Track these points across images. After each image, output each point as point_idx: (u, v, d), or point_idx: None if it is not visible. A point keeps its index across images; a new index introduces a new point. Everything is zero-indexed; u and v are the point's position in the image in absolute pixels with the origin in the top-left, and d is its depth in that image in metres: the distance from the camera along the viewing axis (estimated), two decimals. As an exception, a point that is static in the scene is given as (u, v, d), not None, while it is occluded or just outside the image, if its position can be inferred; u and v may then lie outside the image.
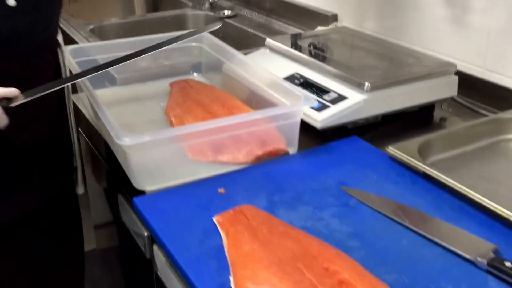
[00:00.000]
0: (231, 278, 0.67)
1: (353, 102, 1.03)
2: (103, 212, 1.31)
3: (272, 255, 0.69)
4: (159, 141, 0.86)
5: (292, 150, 0.99)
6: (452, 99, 1.21)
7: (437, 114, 1.19)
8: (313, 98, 0.97)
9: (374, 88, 1.04)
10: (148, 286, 0.95)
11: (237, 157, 0.96)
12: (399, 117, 1.13)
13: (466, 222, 0.80)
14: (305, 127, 1.01)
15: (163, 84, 1.25)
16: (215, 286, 0.67)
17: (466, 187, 0.82)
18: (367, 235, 0.77)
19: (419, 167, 0.90)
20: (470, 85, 1.20)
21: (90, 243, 1.93)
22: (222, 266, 0.70)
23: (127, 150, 0.84)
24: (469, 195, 0.82)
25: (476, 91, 1.21)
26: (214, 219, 0.78)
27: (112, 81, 1.23)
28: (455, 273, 0.70)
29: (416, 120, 1.16)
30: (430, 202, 0.85)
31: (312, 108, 1.03)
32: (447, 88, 1.15)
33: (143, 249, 0.90)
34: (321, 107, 1.03)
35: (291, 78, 1.14)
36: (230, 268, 0.69)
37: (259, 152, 0.96)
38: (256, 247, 0.70)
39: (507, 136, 1.06)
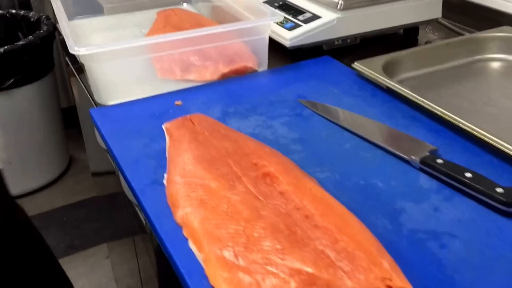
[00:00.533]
0: (165, 175, 0.69)
1: (326, 20, 1.02)
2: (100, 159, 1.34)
3: (206, 153, 0.70)
4: (119, 52, 0.87)
5: (262, 69, 0.99)
6: (437, 22, 1.17)
7: (423, 38, 1.16)
8: (280, 14, 0.96)
9: (348, 6, 1.02)
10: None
11: (204, 75, 0.97)
12: (381, 41, 1.10)
13: (415, 129, 0.79)
14: (280, 49, 1.01)
15: (151, 14, 1.26)
16: (148, 182, 0.69)
17: (422, 97, 0.81)
18: (311, 141, 0.77)
19: (379, 80, 0.88)
20: (457, 7, 1.16)
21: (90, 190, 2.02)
22: (160, 165, 0.72)
23: (86, 62, 0.87)
24: (420, 102, 0.81)
25: (464, 14, 1.17)
26: (163, 126, 0.80)
27: (99, 11, 1.25)
28: (388, 171, 0.70)
29: (400, 44, 1.13)
30: (384, 111, 0.84)
31: (285, 27, 1.02)
32: (431, 9, 1.11)
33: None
34: (293, 27, 1.02)
35: (271, 2, 1.13)
36: (167, 166, 0.71)
37: (225, 69, 0.97)
38: (193, 147, 0.72)
39: (484, 56, 1.03)
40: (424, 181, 0.68)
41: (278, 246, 0.55)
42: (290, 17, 1.04)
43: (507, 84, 0.96)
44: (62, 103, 2.31)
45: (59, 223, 1.99)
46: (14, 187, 2.07)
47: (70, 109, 2.29)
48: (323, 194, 0.62)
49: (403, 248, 0.58)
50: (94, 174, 1.73)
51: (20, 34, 2.22)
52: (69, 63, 1.28)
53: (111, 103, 0.90)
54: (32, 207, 2.06)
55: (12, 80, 1.96)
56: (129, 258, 1.30)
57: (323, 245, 0.55)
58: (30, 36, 1.97)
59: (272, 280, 0.52)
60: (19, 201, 1.91)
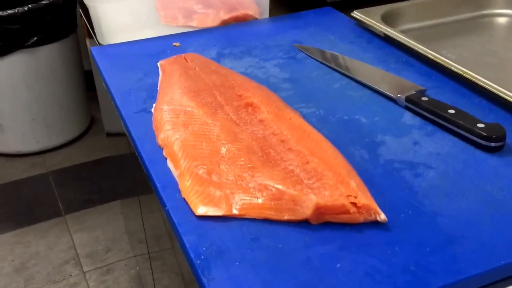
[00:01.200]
0: (154, 104, 0.69)
1: (329, -27, 1.00)
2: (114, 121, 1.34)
3: (194, 85, 0.70)
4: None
5: (263, 17, 0.99)
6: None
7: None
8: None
9: (352, -42, 1.00)
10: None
11: (205, 22, 0.97)
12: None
13: (406, 72, 0.78)
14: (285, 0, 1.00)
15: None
16: (137, 110, 0.70)
17: (419, 44, 0.79)
18: (301, 80, 0.77)
19: (376, 27, 0.87)
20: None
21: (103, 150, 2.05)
22: (150, 96, 0.72)
23: (89, 2, 0.87)
24: (412, 46, 0.79)
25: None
26: (158, 63, 0.80)
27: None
28: (373, 108, 0.69)
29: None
30: (378, 56, 0.82)
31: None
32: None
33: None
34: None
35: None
36: (157, 97, 0.71)
37: (226, 16, 0.97)
38: (183, 79, 0.72)
39: (491, 11, 1.00)
40: (408, 118, 0.67)
41: (250, 165, 0.55)
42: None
43: None
44: (85, 66, 2.34)
45: (79, 178, 2.02)
46: (37, 143, 2.11)
47: (92, 72, 2.31)
48: (301, 124, 0.62)
49: (377, 175, 0.57)
50: (109, 135, 1.75)
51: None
52: (85, 21, 1.29)
53: (112, 43, 0.91)
54: (53, 163, 2.10)
55: (35, 38, 1.98)
56: (140, 215, 1.32)
57: (293, 165, 0.54)
58: (55, -4, 1.99)
59: (240, 195, 0.52)
60: (41, 157, 1.94)
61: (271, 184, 0.52)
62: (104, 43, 0.91)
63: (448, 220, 0.51)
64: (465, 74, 0.71)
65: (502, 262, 0.46)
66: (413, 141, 0.62)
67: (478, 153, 0.60)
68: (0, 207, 1.84)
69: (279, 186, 0.52)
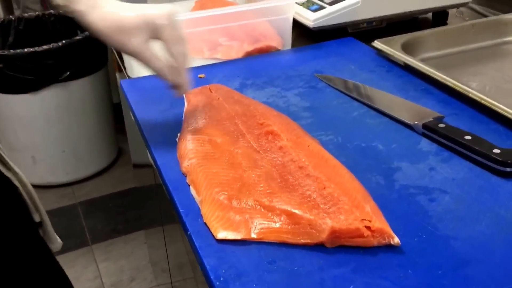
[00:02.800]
0: (178, 134, 0.74)
1: (350, 2, 1.04)
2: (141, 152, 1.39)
3: (217, 114, 0.74)
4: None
5: (285, 49, 1.03)
6: (468, 6, 1.17)
7: (453, 23, 1.16)
8: (303, -4, 0.99)
9: (373, -11, 1.04)
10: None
11: (229, 54, 1.01)
12: (409, 25, 1.11)
13: (425, 100, 0.80)
14: (307, 32, 1.04)
15: (191, 4, 1.31)
16: (163, 140, 0.74)
17: (438, 72, 0.82)
18: (320, 109, 0.80)
19: (396, 56, 0.90)
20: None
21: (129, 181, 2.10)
22: (176, 127, 0.76)
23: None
24: (431, 74, 0.82)
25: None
26: (184, 94, 0.84)
27: (143, 1, 1.31)
28: (391, 135, 0.72)
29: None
30: (397, 85, 0.85)
31: (310, 9, 1.05)
32: (460, -6, 1.12)
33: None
34: (318, 8, 1.05)
35: (301, -12, 1.16)
36: (182, 127, 0.75)
37: (250, 48, 1.01)
38: (207, 109, 0.76)
39: (510, 39, 1.02)
40: (425, 144, 0.69)
41: (269, 191, 0.58)
42: (316, 0, 1.07)
43: (532, 65, 0.96)
44: (114, 99, 2.42)
45: (105, 209, 2.08)
46: (67, 175, 2.18)
47: (120, 105, 2.39)
48: (319, 150, 0.65)
49: (392, 200, 0.59)
50: (135, 166, 1.81)
51: (78, 30, 2.35)
52: (116, 55, 1.35)
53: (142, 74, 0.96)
54: (82, 193, 2.16)
55: (68, 73, 2.07)
56: (164, 245, 1.36)
57: (311, 190, 0.57)
58: (86, 32, 2.08)
59: (259, 220, 0.55)
60: (70, 188, 2.00)
61: (289, 208, 0.55)
62: (133, 76, 0.96)
63: (462, 243, 0.53)
64: (482, 101, 0.74)
65: (514, 284, 0.48)
66: (429, 167, 0.65)
67: (494, 179, 0.62)
68: (30, 237, 1.90)
69: (296, 211, 0.55)
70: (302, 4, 1.07)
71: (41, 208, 0.88)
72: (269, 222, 0.55)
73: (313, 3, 1.07)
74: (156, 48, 0.69)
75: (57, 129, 2.13)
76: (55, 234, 0.91)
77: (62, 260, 1.78)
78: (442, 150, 0.68)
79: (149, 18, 0.67)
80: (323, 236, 0.53)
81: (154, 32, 0.67)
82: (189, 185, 0.63)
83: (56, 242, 0.92)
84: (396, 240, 0.52)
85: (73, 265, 1.77)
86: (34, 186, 2.01)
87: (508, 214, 0.56)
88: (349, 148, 0.70)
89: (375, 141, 0.71)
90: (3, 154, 0.78)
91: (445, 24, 1.15)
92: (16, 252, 0.81)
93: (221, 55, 1.02)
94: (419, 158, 0.67)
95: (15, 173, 0.82)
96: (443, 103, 0.79)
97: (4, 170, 0.75)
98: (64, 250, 1.83)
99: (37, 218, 0.88)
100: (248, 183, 0.60)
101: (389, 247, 0.53)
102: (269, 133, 0.68)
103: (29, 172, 2.16)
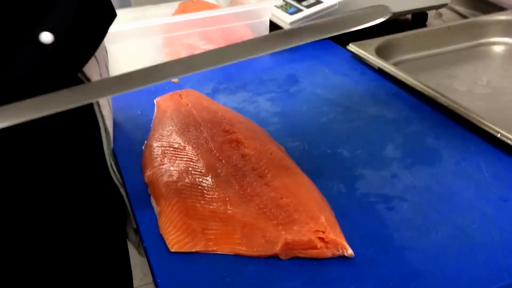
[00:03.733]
0: (145, 142, 0.73)
1: (327, 5, 1.03)
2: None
3: (182, 122, 0.73)
4: (128, 33, 0.92)
5: (262, 52, 1.02)
6: (449, 7, 1.16)
7: (432, 24, 1.15)
8: (280, -1, 0.98)
9: (350, -9, 1.03)
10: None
11: (206, 57, 1.00)
12: (389, 27, 1.10)
13: (395, 104, 0.79)
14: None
15: (175, 6, 1.30)
16: (130, 147, 0.73)
17: (409, 76, 0.81)
18: (290, 114, 0.79)
19: (369, 60, 0.89)
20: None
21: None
22: (145, 134, 0.75)
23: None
24: (401, 78, 0.81)
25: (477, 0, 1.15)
26: (155, 100, 0.83)
27: (127, 3, 1.30)
28: (357, 141, 0.71)
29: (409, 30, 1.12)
30: (368, 88, 0.84)
31: (287, 12, 1.04)
32: (438, -6, 1.10)
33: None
34: (295, 11, 1.04)
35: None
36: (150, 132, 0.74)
37: (226, 52, 1.00)
38: (174, 116, 0.75)
39: (487, 40, 1.01)
40: (390, 151, 0.68)
41: (226, 201, 0.57)
42: (294, 3, 1.06)
43: (508, 66, 0.94)
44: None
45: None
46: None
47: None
48: (281, 159, 0.64)
49: (351, 209, 0.58)
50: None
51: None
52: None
53: (114, 80, 0.94)
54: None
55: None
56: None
57: (268, 201, 0.56)
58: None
59: (214, 231, 0.54)
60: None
61: (244, 220, 0.54)
62: (108, 81, 0.95)
63: (415, 254, 0.52)
64: (449, 106, 0.72)
65: (463, 297, 0.47)
66: (392, 174, 0.64)
67: (455, 186, 0.61)
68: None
69: (251, 222, 0.54)
70: (280, 7, 1.05)
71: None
72: (224, 234, 0.54)
73: (291, 6, 1.05)
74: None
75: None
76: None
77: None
78: (407, 155, 0.67)
79: None
80: (276, 248, 0.52)
81: None
82: (150, 196, 0.62)
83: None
84: (349, 251, 0.51)
85: None
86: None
87: (465, 224, 0.55)
88: (314, 155, 0.69)
89: (340, 147, 0.70)
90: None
91: (425, 25, 1.14)
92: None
93: (198, 59, 1.01)
94: (383, 165, 0.66)
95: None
96: (412, 107, 0.78)
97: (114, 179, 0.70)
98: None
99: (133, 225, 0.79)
100: (207, 193, 0.59)
101: (343, 259, 0.52)
102: (233, 141, 0.68)
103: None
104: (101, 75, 0.64)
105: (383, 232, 0.55)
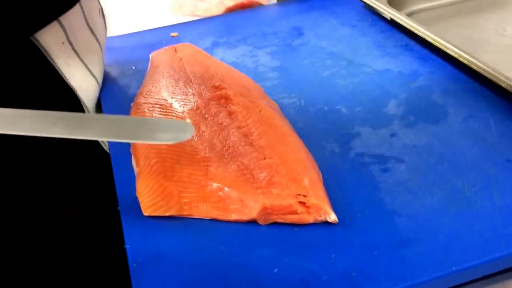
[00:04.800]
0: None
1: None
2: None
3: (172, 77, 0.69)
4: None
5: (271, 2, 0.96)
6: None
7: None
8: None
9: None
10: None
11: (210, 10, 0.95)
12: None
13: (402, 57, 0.73)
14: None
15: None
16: (120, 103, 0.69)
17: (419, 26, 0.73)
18: (290, 69, 0.73)
19: (379, 9, 0.82)
20: None
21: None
22: (137, 90, 0.71)
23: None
24: (411, 28, 0.74)
25: None
26: (150, 55, 0.79)
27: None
28: (357, 97, 0.65)
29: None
30: (377, 40, 0.78)
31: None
32: None
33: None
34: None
35: None
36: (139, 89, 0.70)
37: (231, 3, 0.94)
38: (165, 71, 0.70)
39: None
40: (392, 107, 0.62)
41: (205, 163, 0.53)
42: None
43: (534, 15, 0.86)
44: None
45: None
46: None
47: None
48: (270, 116, 0.59)
49: (343, 171, 0.53)
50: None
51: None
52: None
53: (114, 34, 0.90)
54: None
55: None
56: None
57: (249, 162, 0.52)
58: None
59: (189, 194, 0.51)
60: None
61: (221, 183, 0.50)
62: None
63: (406, 220, 0.47)
64: (460, 58, 0.66)
65: (454, 269, 0.42)
66: (391, 132, 0.58)
67: (459, 145, 0.55)
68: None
69: (228, 185, 0.50)
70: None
71: None
72: (200, 197, 0.50)
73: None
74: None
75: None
76: None
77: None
78: (410, 113, 0.61)
79: None
80: (253, 213, 0.47)
81: None
82: (131, 154, 0.59)
83: None
84: (332, 217, 0.47)
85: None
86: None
87: (465, 187, 0.49)
88: (310, 112, 0.64)
89: (339, 104, 0.64)
90: None
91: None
92: None
93: (202, 12, 0.96)
94: (382, 123, 0.60)
95: None
96: (421, 60, 0.71)
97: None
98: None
99: None
100: (188, 152, 0.55)
101: (326, 225, 0.47)
102: (222, 97, 0.63)
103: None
104: (71, 43, 0.60)
105: (374, 196, 0.50)
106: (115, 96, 0.70)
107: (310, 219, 0.47)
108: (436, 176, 0.51)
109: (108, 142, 0.61)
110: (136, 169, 0.56)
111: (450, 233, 0.45)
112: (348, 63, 0.73)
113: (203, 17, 0.94)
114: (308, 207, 0.47)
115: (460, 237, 0.44)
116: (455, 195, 0.49)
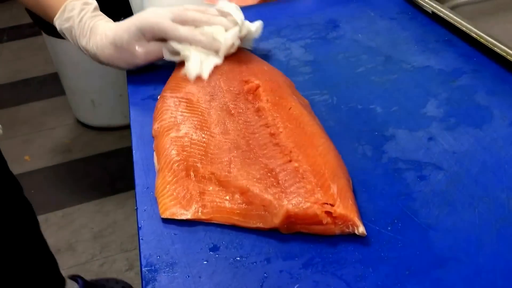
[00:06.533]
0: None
1: None
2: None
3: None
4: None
5: (306, -7, 0.90)
6: None
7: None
8: None
9: None
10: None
11: (245, 0, 0.90)
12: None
13: (445, 53, 0.66)
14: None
15: None
16: (145, 97, 0.65)
17: (463, 21, 0.67)
18: (323, 64, 0.68)
19: (422, 2, 0.75)
20: None
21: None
22: (163, 84, 0.68)
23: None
24: (455, 23, 0.67)
25: None
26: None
27: None
28: (394, 96, 0.60)
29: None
30: (417, 34, 0.72)
31: None
32: None
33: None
34: None
35: None
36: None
37: (265, -7, 0.89)
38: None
39: None
40: (431, 108, 0.57)
41: (228, 163, 0.49)
42: None
43: None
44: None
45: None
46: (124, 118, 2.17)
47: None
48: (300, 114, 0.54)
49: (374, 177, 0.48)
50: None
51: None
52: None
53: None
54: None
55: (122, 18, 2.00)
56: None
57: (274, 164, 0.47)
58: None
59: (210, 197, 0.46)
60: (128, 130, 1.97)
61: (244, 185, 0.46)
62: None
63: (443, 236, 0.41)
64: (508, 56, 0.59)
65: (495, 296, 0.36)
66: (429, 136, 0.53)
67: (505, 152, 0.49)
68: (87, 177, 1.92)
69: (251, 188, 0.45)
70: None
71: None
72: (221, 201, 0.46)
73: None
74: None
75: (114, 73, 2.10)
76: None
77: (113, 201, 1.79)
78: (451, 115, 0.55)
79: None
80: (276, 221, 0.43)
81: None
82: (154, 151, 0.55)
83: None
84: (361, 229, 0.42)
85: (123, 206, 1.77)
86: (95, 128, 2.00)
87: (511, 201, 0.44)
88: (343, 111, 0.58)
89: (374, 102, 0.59)
90: None
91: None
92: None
93: (236, 1, 0.91)
94: (420, 125, 0.54)
95: None
96: (464, 56, 0.65)
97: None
98: (116, 190, 1.84)
99: None
100: (212, 151, 0.51)
101: (354, 238, 0.42)
102: (251, 92, 0.58)
103: (89, 115, 2.17)
104: None
105: (407, 207, 0.44)
106: (143, 88, 0.67)
107: (336, 230, 0.42)
108: (478, 187, 0.46)
109: (132, 139, 0.58)
110: (157, 167, 0.52)
111: (492, 253, 0.39)
112: (385, 58, 0.67)
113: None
114: (334, 217, 0.42)
115: (504, 258, 0.39)
116: (498, 210, 0.43)
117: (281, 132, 0.51)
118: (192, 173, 0.49)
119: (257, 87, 0.58)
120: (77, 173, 1.95)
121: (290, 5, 0.86)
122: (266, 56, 0.71)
